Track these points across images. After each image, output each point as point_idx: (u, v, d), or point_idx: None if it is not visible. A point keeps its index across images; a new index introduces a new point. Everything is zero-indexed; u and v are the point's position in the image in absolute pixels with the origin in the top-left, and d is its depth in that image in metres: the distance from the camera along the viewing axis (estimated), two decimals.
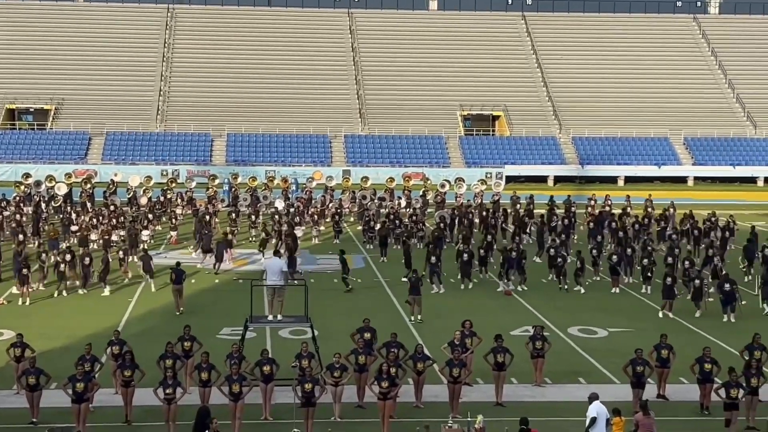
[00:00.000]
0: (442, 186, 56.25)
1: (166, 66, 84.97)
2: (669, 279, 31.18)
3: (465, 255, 35.04)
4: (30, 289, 32.11)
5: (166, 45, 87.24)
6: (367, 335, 23.19)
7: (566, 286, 34.71)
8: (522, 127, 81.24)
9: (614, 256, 35.33)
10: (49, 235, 39.45)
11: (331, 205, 50.71)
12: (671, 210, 46.53)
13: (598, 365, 25.39)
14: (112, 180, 56.46)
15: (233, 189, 55.39)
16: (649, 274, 34.44)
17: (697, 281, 31.44)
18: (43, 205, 48.84)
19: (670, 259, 35.27)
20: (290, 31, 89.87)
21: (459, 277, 35.16)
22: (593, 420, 18.44)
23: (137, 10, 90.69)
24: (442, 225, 43.79)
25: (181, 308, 30.43)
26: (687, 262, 34.06)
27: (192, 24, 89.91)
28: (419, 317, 29.67)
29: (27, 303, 31.60)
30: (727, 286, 30.70)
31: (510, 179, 72.31)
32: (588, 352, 26.66)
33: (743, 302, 31.09)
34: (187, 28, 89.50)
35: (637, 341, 24.50)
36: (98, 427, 20.08)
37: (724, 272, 33.22)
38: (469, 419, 19.19)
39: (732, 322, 29.99)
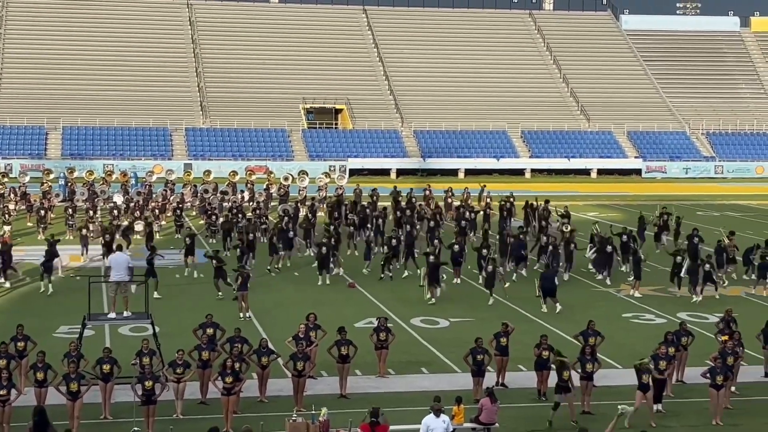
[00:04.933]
0: (286, 179, 56.14)
1: None
2: (490, 268, 32.06)
3: (324, 248, 35.13)
4: None
5: None
6: (210, 331, 22.93)
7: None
8: (364, 121, 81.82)
9: (456, 246, 35.90)
10: None
11: (172, 198, 49.90)
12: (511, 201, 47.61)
13: (440, 355, 25.80)
14: None
15: (69, 183, 53.87)
16: (482, 262, 34.84)
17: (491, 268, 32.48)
18: None
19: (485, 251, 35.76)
20: (129, 20, 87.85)
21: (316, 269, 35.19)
22: None
23: None
24: (285, 218, 43.68)
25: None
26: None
27: (25, 13, 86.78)
28: (249, 314, 29.37)
29: None
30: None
31: (353, 172, 72.75)
32: (430, 342, 27.06)
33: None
34: (19, 17, 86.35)
35: (477, 330, 25.01)
36: None
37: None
38: (313, 412, 19.22)
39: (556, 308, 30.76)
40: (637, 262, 34.04)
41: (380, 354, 23.68)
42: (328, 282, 34.54)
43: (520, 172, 78.67)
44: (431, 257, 32.63)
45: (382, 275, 35.33)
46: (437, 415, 17.82)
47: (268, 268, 36.33)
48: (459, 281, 35.32)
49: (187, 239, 35.78)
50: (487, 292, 31.97)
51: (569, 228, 40.00)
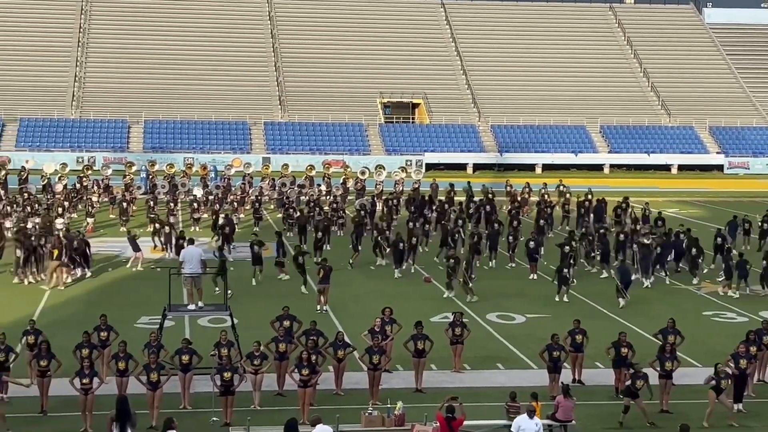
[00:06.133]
0: (362, 173, 56.31)
1: (81, 51, 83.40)
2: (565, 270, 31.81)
3: (401, 244, 35.26)
4: None
5: (81, 30, 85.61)
6: (287, 323, 23.14)
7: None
8: (441, 115, 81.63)
9: (531, 242, 35.70)
10: None
11: (250, 192, 50.43)
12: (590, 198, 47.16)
13: (516, 351, 25.71)
14: (23, 167, 55.34)
15: (151, 176, 54.71)
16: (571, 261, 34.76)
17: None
18: None
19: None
20: (210, 15, 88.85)
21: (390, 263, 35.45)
22: None
23: None
24: (362, 213, 43.84)
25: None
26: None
27: (108, 8, 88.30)
28: (326, 308, 29.53)
29: None
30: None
31: (430, 167, 72.67)
32: (506, 338, 26.97)
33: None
34: (103, 12, 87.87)
35: (553, 327, 24.86)
36: (14, 417, 19.72)
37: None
38: (388, 406, 19.30)
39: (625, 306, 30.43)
40: (728, 262, 33.63)
41: (456, 349, 23.67)
42: (412, 270, 34.49)
43: (598, 168, 77.76)
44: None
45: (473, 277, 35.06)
46: (530, 417, 17.70)
47: (351, 262, 36.47)
48: (535, 277, 35.12)
49: (255, 247, 34.15)
50: (563, 289, 31.69)
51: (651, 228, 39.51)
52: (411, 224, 39.44)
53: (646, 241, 35.15)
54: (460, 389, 22.05)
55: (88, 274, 34.12)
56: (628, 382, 20.51)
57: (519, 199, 48.89)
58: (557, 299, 31.42)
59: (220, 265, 30.06)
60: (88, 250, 34.36)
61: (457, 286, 31.43)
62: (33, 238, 33.83)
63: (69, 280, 33.01)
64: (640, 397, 20.26)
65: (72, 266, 33.47)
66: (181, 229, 39.54)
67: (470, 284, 31.32)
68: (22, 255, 33.13)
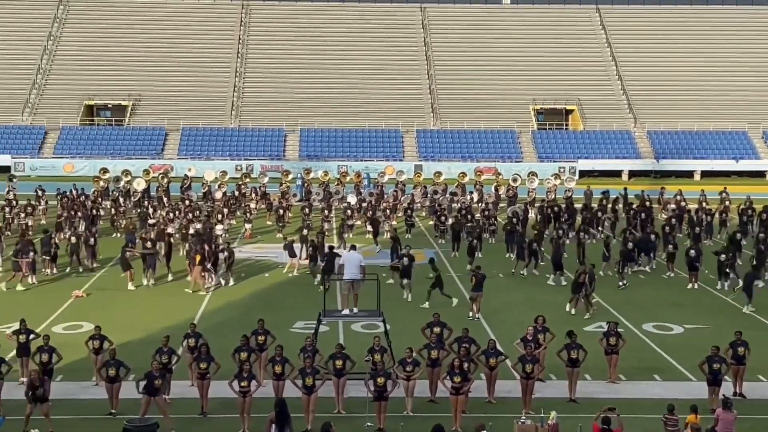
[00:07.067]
0: (514, 181, 55.99)
1: (240, 62, 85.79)
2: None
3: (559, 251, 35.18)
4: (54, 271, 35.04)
5: (241, 41, 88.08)
6: (437, 330, 23.22)
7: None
8: (596, 121, 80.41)
9: (692, 251, 34.78)
10: (127, 228, 40.13)
11: (403, 199, 50.80)
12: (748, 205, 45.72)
13: (673, 362, 25.10)
14: (186, 175, 57.20)
15: (306, 184, 55.73)
16: (727, 270, 33.91)
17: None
18: (121, 200, 49.76)
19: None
20: (363, 25, 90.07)
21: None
22: None
23: (213, 6, 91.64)
24: (514, 220, 43.61)
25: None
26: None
27: (266, 20, 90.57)
28: (478, 315, 29.46)
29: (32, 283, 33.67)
30: None
31: (583, 174, 71.70)
32: (663, 348, 26.36)
33: None
34: (261, 24, 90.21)
35: (713, 338, 24.16)
36: (175, 418, 20.38)
37: None
38: (542, 415, 19.13)
39: None
40: None
41: (611, 359, 23.27)
42: (564, 282, 34.10)
43: (760, 174, 75.14)
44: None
45: (621, 284, 34.45)
46: None
47: (522, 272, 36.24)
48: (696, 286, 34.22)
49: (405, 259, 33.03)
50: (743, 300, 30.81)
51: None
52: (559, 233, 38.92)
53: None
54: (615, 400, 21.63)
55: (231, 282, 34.49)
56: None
57: (676, 206, 47.69)
58: (745, 310, 30.54)
59: (436, 276, 30.91)
60: (226, 257, 34.61)
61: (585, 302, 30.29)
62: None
63: (211, 285, 33.84)
64: None
65: (214, 272, 34.29)
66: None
67: (592, 299, 30.39)
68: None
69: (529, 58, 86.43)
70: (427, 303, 30.49)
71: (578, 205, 46.79)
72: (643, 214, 43.13)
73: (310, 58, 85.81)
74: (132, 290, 33.28)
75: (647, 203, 46.05)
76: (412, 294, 31.72)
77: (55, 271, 35.64)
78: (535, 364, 21.36)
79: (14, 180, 55.25)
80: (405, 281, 32.22)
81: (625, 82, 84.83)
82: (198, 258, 33.19)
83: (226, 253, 34.43)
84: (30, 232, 39.87)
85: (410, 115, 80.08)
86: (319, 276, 32.96)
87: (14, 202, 46.81)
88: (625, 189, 51.60)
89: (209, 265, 33.70)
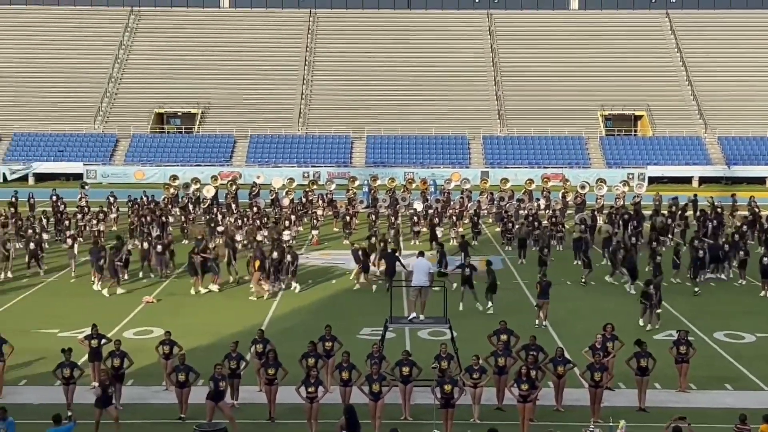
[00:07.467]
0: (582, 187, 55.48)
1: (307, 70, 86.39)
2: None
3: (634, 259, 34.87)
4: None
5: (308, 49, 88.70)
6: (504, 337, 23.12)
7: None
8: (665, 127, 79.47)
9: (765, 259, 34.18)
10: (196, 236, 40.62)
11: (469, 206, 50.67)
12: None
13: (745, 371, 24.69)
14: (254, 182, 57.70)
15: (372, 191, 55.85)
16: None
17: None
18: (191, 207, 50.39)
19: None
20: (429, 32, 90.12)
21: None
22: None
23: (281, 15, 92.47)
24: (582, 227, 43.23)
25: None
26: None
27: (333, 28, 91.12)
28: (545, 323, 29.26)
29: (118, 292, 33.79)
30: None
31: (652, 180, 70.88)
32: (735, 357, 25.95)
33: None
34: (328, 32, 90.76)
35: None
36: (243, 423, 20.57)
37: None
38: (611, 424, 18.95)
39: None
40: None
41: (681, 368, 22.97)
42: (633, 291, 33.68)
43: None
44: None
45: (697, 290, 34.01)
46: None
47: (583, 280, 35.94)
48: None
49: (467, 269, 32.35)
50: None
51: None
52: (633, 239, 38.53)
53: None
54: (685, 409, 21.34)
55: (298, 289, 34.61)
56: None
57: (749, 213, 46.93)
58: None
59: (492, 281, 30.97)
60: (290, 263, 34.87)
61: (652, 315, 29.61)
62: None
63: (270, 290, 33.99)
64: None
65: (276, 278, 34.50)
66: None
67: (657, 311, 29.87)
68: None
69: (597, 64, 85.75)
70: (490, 304, 30.47)
71: (647, 212, 46.32)
72: (714, 221, 42.53)
73: (377, 65, 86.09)
74: (200, 295, 33.68)
75: (718, 210, 45.39)
76: (479, 302, 31.59)
77: (126, 277, 36.17)
78: (604, 372, 21.17)
79: (86, 187, 56.21)
80: (466, 289, 31.76)
81: (695, 88, 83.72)
82: (257, 264, 33.47)
83: (289, 257, 34.66)
84: (102, 239, 40.56)
85: (477, 121, 79.88)
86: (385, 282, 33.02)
87: (86, 209, 47.61)
88: (695, 195, 50.90)
89: (272, 271, 33.99)
